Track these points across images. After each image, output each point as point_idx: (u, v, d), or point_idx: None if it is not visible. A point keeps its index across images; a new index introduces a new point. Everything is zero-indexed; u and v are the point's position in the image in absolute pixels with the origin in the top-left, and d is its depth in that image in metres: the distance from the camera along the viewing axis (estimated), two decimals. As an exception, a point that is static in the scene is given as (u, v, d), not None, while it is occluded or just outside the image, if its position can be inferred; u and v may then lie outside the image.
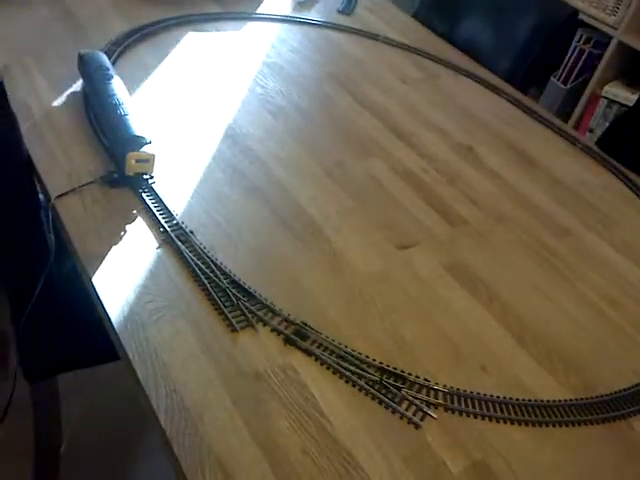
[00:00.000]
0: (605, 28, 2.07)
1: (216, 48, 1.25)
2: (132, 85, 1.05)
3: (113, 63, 1.08)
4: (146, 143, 0.82)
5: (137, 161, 0.80)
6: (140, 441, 1.31)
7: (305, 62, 1.28)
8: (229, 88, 1.12)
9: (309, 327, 0.70)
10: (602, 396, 0.71)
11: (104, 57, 0.98)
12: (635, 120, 1.33)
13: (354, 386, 0.66)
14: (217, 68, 1.18)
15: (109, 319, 0.67)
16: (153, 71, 1.11)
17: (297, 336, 0.69)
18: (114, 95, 0.88)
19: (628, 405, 0.71)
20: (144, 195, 0.82)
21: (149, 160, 0.82)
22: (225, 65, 1.20)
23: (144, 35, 1.21)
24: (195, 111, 1.04)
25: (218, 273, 0.73)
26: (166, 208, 0.81)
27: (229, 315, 0.69)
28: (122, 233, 0.77)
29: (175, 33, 1.26)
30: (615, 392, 0.72)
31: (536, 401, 0.69)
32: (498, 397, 0.68)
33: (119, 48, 1.13)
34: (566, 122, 2.20)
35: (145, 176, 0.83)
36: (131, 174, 0.81)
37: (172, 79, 1.10)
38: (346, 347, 0.69)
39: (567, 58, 2.20)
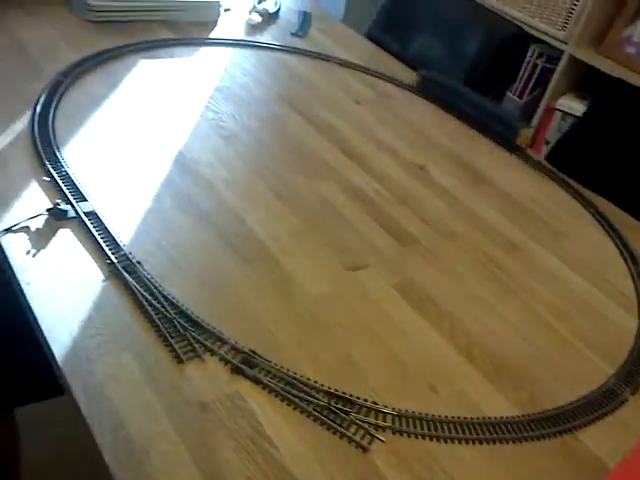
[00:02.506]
0: (556, 43, 2.12)
1: (168, 75, 1.25)
2: (83, 114, 1.05)
3: (62, 93, 1.08)
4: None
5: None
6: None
7: (257, 85, 1.29)
8: (180, 114, 1.13)
9: (257, 355, 0.70)
10: (548, 410, 0.73)
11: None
12: (581, 134, 1.37)
13: (302, 412, 0.66)
14: (169, 95, 1.18)
15: (52, 354, 0.66)
16: (104, 100, 1.11)
17: (245, 364, 0.69)
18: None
19: (574, 418, 0.72)
20: (91, 227, 0.81)
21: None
22: (177, 91, 1.20)
23: (95, 64, 1.20)
24: (145, 138, 1.04)
25: (165, 304, 0.73)
26: (113, 239, 0.81)
27: (176, 346, 0.69)
28: (68, 266, 0.76)
29: (127, 61, 1.26)
30: (561, 406, 0.74)
31: (484, 419, 0.70)
32: (446, 417, 0.69)
33: (69, 78, 1.12)
34: (523, 135, 2.25)
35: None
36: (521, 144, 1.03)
37: (123, 107, 1.10)
38: (295, 373, 0.70)
39: (521, 73, 2.25)
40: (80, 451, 1.30)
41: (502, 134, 1.11)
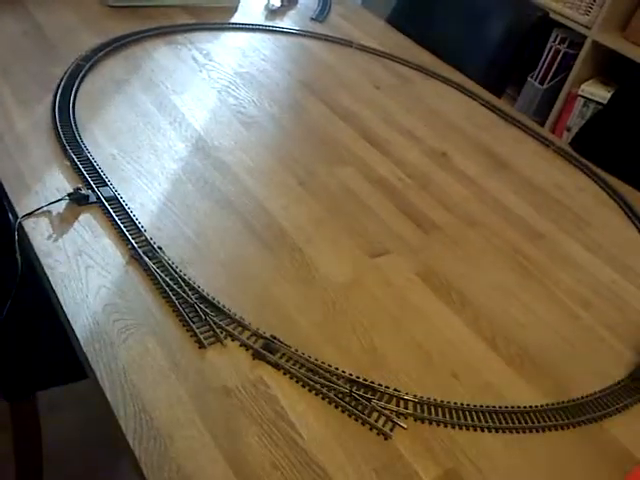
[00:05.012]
0: (579, 28, 2.08)
1: (188, 60, 1.24)
2: (103, 99, 1.05)
3: (82, 78, 1.08)
4: None
5: None
6: (122, 457, 1.31)
7: (278, 71, 1.28)
8: (201, 100, 1.12)
9: (278, 340, 0.70)
10: (573, 400, 0.72)
11: None
12: (606, 120, 1.35)
13: (324, 399, 0.66)
14: (189, 80, 1.18)
15: (77, 338, 0.66)
16: (124, 85, 1.11)
17: (266, 350, 0.69)
18: None
19: (600, 408, 0.72)
20: (112, 211, 0.81)
21: None
22: (197, 77, 1.19)
23: (115, 49, 1.20)
24: (166, 124, 1.03)
25: (186, 289, 0.73)
26: (134, 224, 0.80)
27: (197, 331, 0.68)
28: (90, 251, 0.76)
29: (147, 45, 1.26)
30: (586, 395, 0.73)
31: (507, 407, 0.69)
32: (469, 405, 0.68)
33: (89, 62, 1.12)
34: (544, 121, 2.22)
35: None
36: None
37: (143, 92, 1.10)
38: (316, 360, 0.69)
39: (543, 58, 2.22)
40: (101, 434, 1.32)
41: None
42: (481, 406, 0.68)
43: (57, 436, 1.30)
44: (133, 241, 0.78)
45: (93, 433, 1.34)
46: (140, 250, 0.77)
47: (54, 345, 0.99)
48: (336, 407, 0.65)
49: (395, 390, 0.68)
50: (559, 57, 2.18)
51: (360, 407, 0.66)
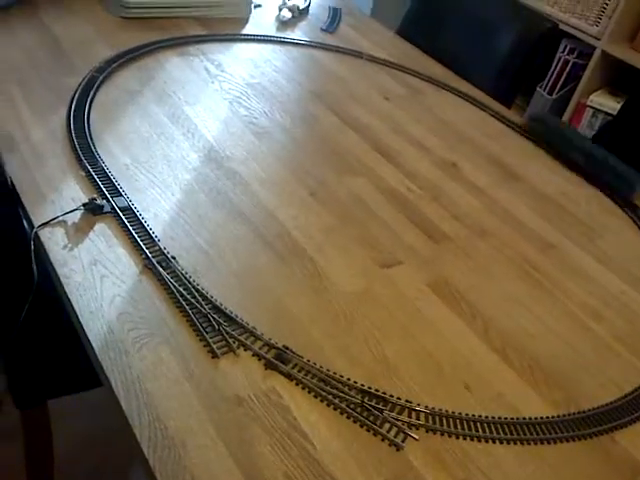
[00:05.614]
0: (588, 39, 2.09)
1: (200, 71, 1.26)
2: (117, 110, 1.06)
3: (97, 89, 1.10)
4: None
5: None
6: (132, 466, 1.31)
7: (289, 82, 1.30)
8: (213, 110, 1.13)
9: (290, 351, 0.71)
10: (585, 411, 0.72)
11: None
12: (616, 130, 1.35)
13: (336, 409, 0.66)
14: (201, 91, 1.19)
15: (92, 347, 0.67)
16: (137, 96, 1.12)
17: (278, 360, 0.69)
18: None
19: (611, 419, 0.72)
20: (126, 221, 0.82)
21: None
22: (209, 87, 1.21)
23: (128, 60, 1.22)
24: (178, 134, 1.05)
25: (200, 298, 0.74)
26: (148, 234, 0.81)
27: (210, 341, 0.69)
28: (105, 260, 0.77)
29: (159, 57, 1.27)
30: (598, 407, 0.73)
31: (519, 419, 0.69)
32: (480, 416, 0.68)
33: (103, 74, 1.14)
34: (553, 132, 2.22)
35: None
36: None
37: (156, 103, 1.11)
38: (327, 370, 0.70)
39: (552, 69, 2.22)
40: (112, 443, 1.33)
41: (617, 189, 1.08)
42: (492, 417, 0.69)
43: (68, 445, 1.30)
44: (147, 251, 0.79)
45: (104, 442, 1.35)
46: (154, 260, 0.78)
47: (66, 354, 1.00)
48: (348, 418, 0.66)
49: (407, 401, 0.68)
50: (568, 67, 2.19)
51: (372, 418, 0.66)
